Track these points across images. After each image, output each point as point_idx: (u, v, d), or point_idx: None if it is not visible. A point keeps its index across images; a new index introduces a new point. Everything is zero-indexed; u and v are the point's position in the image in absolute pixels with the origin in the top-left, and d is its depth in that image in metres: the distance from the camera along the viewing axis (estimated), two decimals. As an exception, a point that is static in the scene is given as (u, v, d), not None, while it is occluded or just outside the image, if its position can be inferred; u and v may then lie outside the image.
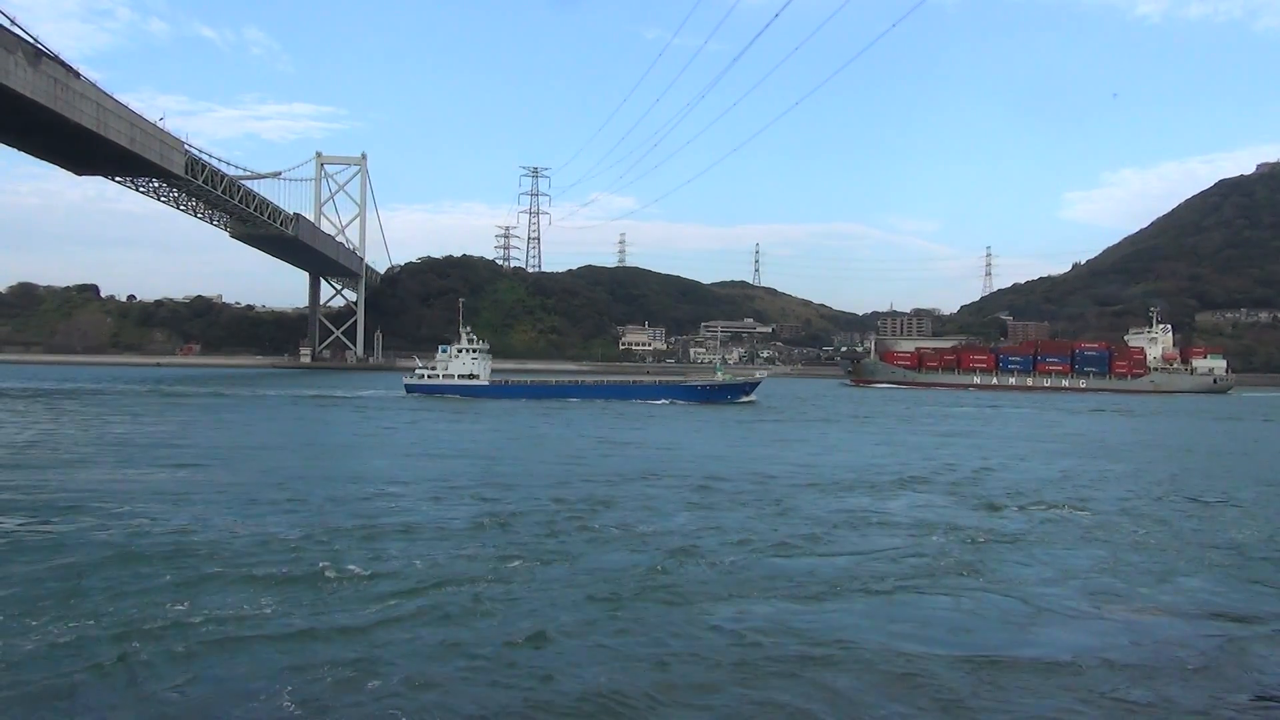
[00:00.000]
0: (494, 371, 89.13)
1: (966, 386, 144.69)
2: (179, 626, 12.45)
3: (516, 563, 16.50)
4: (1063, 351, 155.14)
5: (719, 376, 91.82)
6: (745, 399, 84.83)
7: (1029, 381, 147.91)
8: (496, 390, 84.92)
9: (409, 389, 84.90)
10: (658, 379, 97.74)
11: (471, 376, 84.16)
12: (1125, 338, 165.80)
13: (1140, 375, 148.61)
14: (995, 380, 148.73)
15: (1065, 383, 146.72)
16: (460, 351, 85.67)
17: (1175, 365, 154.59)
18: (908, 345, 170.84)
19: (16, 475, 27.21)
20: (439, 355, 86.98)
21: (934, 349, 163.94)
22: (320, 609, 13.50)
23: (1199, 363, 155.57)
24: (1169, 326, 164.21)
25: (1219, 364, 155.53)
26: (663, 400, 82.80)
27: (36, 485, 25.11)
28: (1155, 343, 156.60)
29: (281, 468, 30.45)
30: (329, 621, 12.84)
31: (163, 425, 48.36)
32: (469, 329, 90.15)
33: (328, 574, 15.40)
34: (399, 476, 28.18)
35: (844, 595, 14.93)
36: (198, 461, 31.71)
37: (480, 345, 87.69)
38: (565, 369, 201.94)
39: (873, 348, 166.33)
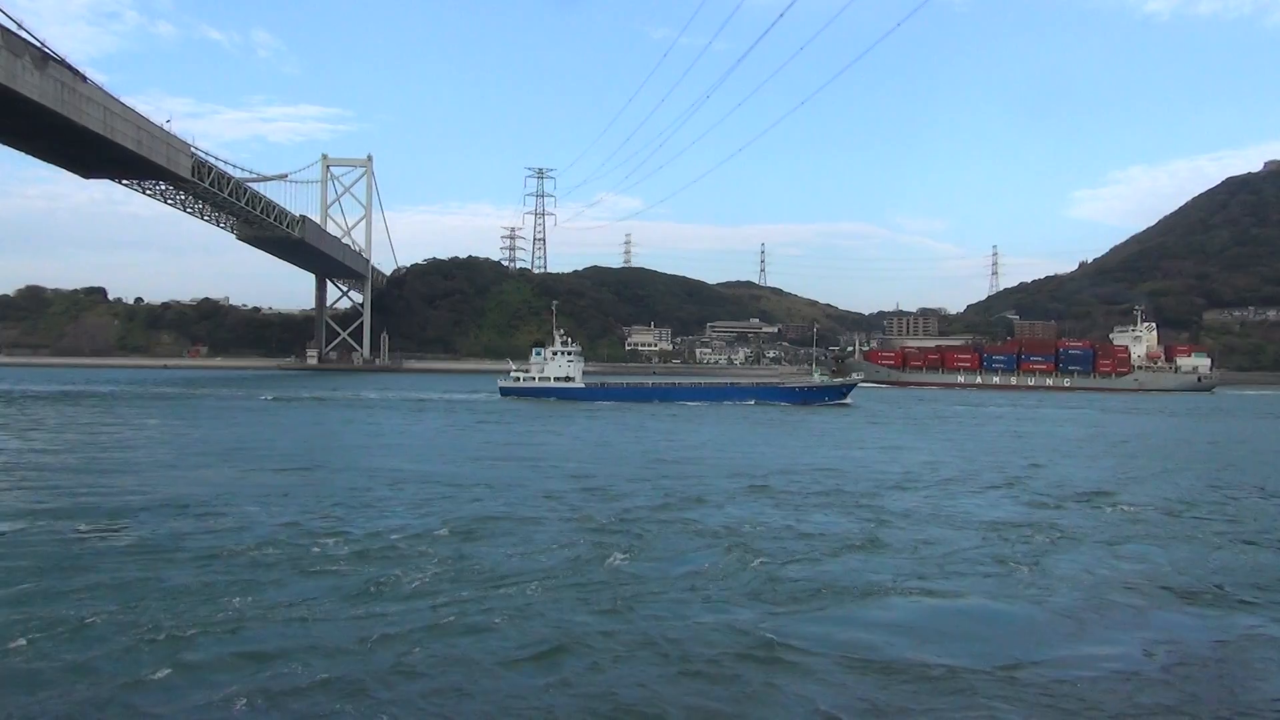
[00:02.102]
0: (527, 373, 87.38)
1: (950, 386, 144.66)
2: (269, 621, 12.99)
3: (622, 559, 16.97)
4: (1047, 350, 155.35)
5: (816, 378, 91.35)
6: (843, 401, 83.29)
7: (1013, 380, 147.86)
8: (592, 393, 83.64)
9: (504, 392, 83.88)
10: (756, 381, 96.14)
11: (567, 379, 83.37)
12: (1110, 336, 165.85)
13: (1125, 374, 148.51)
14: (979, 379, 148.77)
15: (1049, 381, 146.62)
16: (555, 354, 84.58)
17: (1160, 364, 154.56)
18: (914, 344, 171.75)
19: (127, 479, 27.01)
20: (533, 358, 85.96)
21: (919, 348, 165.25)
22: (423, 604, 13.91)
23: (1183, 361, 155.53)
24: (1154, 325, 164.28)
25: (1203, 362, 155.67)
26: (761, 402, 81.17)
27: (145, 488, 25.14)
28: (1140, 341, 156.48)
29: (424, 472, 29.95)
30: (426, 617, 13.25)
31: (236, 428, 48.05)
32: (563, 330, 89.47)
33: (447, 572, 15.84)
34: (525, 480, 28.20)
35: (871, 598, 14.95)
36: (305, 464, 31.83)
37: (574, 347, 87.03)
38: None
39: (856, 348, 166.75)
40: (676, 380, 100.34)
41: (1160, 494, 27.39)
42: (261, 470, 29.84)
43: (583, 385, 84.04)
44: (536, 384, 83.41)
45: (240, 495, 23.92)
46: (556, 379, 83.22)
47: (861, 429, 54.52)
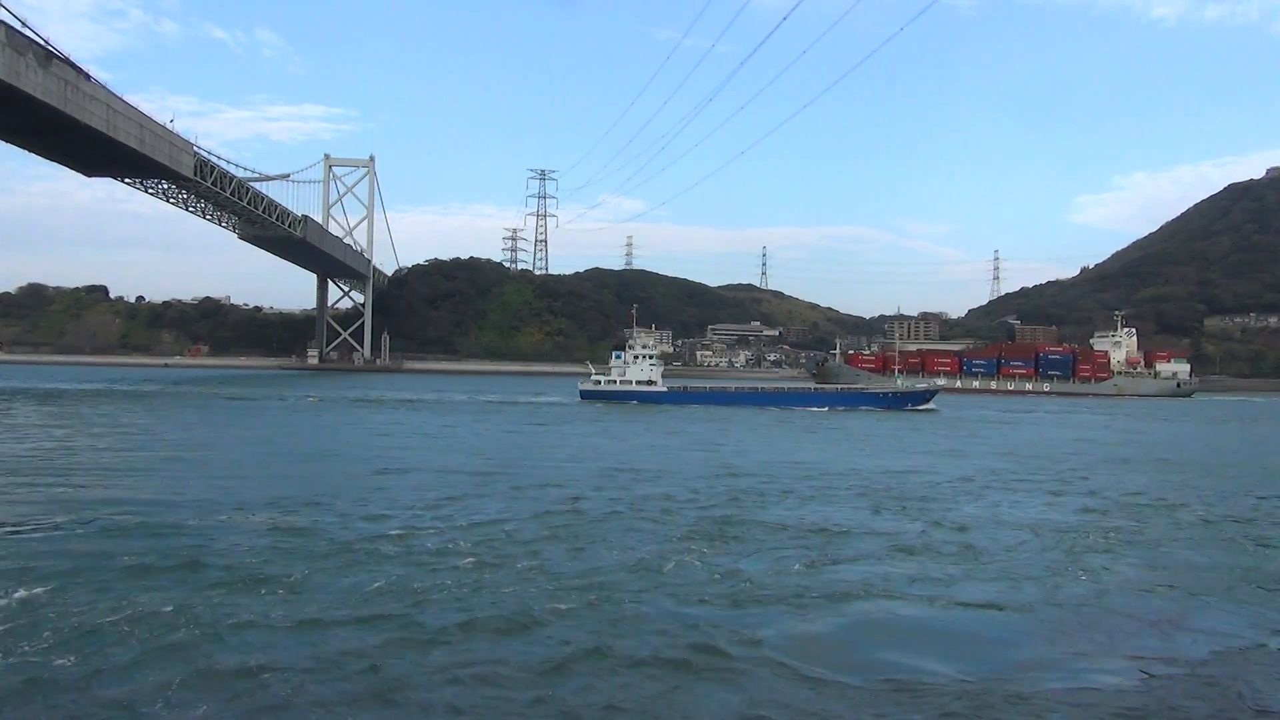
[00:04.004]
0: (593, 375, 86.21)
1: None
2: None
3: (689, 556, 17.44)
4: (1027, 355, 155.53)
5: (899, 384, 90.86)
6: (925, 406, 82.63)
7: (993, 385, 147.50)
8: (676, 397, 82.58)
9: (584, 395, 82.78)
10: (840, 387, 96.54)
11: (650, 383, 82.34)
12: (1091, 341, 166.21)
13: (1104, 379, 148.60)
14: (959, 383, 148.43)
15: (1029, 386, 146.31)
16: (637, 358, 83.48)
17: (1139, 369, 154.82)
18: (912, 348, 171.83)
19: (226, 482, 26.79)
20: (614, 361, 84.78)
21: (899, 352, 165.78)
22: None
23: (1162, 367, 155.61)
24: (1133, 330, 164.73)
25: (1182, 368, 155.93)
26: (847, 407, 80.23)
27: (246, 489, 25.12)
28: (1119, 346, 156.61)
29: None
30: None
31: (299, 430, 47.87)
32: (644, 333, 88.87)
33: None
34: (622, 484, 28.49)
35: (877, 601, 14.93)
36: (394, 466, 31.61)
37: (654, 351, 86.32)
38: (573, 371, 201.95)
39: (838, 352, 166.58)
40: (760, 385, 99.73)
41: (1195, 499, 27.31)
42: (359, 473, 29.69)
43: (665, 389, 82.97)
44: (618, 387, 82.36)
45: (343, 495, 24.29)
46: (638, 382, 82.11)
47: (930, 435, 54.11)
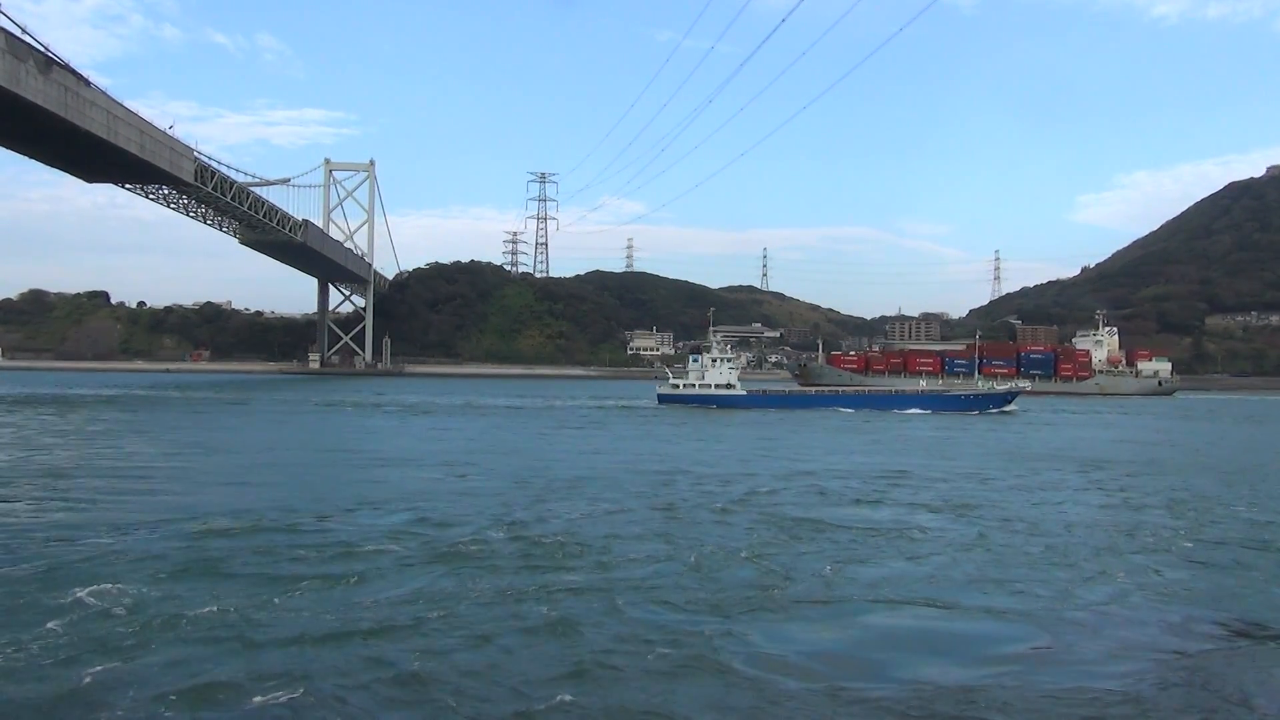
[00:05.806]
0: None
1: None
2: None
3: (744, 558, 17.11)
4: (1008, 354, 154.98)
5: (980, 386, 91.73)
6: (1008, 408, 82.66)
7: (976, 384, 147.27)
8: (755, 400, 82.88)
9: (662, 399, 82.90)
10: (921, 389, 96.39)
11: (728, 386, 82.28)
12: (1073, 340, 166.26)
13: (1085, 378, 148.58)
14: (941, 384, 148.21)
15: (1011, 385, 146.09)
16: (715, 361, 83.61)
17: (1120, 368, 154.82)
18: (920, 347, 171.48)
19: (312, 488, 26.45)
20: (691, 365, 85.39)
21: (881, 353, 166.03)
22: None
23: (1144, 365, 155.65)
24: (1115, 329, 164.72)
25: (1164, 366, 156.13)
26: (928, 410, 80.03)
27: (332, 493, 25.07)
28: (1101, 345, 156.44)
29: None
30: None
31: (359, 434, 47.70)
32: (720, 337, 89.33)
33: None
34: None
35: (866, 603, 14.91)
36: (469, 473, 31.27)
37: (731, 354, 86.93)
38: (574, 374, 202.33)
39: (820, 353, 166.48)
40: (839, 388, 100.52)
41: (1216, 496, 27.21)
42: (474, 479, 29.39)
43: (743, 392, 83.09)
44: (697, 391, 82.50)
45: (438, 496, 24.52)
46: (718, 386, 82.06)
47: (978, 436, 53.72)
